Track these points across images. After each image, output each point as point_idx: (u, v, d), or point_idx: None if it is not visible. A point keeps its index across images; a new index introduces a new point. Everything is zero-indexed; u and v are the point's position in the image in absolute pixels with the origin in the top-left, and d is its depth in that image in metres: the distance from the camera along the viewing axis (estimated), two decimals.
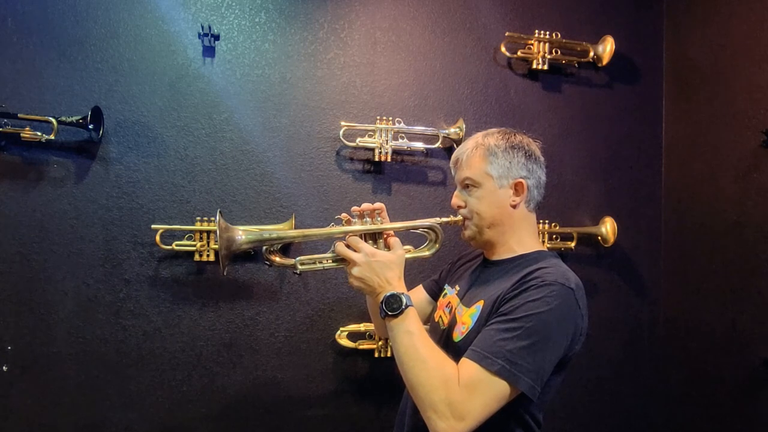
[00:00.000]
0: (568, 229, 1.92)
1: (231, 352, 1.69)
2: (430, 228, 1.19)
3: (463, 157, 1.16)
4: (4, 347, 1.55)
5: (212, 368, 1.68)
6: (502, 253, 1.17)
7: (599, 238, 1.93)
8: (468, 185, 1.15)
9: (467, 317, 1.09)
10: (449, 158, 1.85)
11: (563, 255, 1.95)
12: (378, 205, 1.15)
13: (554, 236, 1.91)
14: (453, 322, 1.14)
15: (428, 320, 1.35)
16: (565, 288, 0.99)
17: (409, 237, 1.27)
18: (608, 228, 1.91)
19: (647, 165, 2.06)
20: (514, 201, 1.13)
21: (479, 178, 1.14)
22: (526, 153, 1.14)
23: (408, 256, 1.14)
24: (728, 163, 1.80)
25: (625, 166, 2.04)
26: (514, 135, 1.17)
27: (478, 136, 1.18)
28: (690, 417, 1.92)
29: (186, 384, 1.66)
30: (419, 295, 1.40)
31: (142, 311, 1.64)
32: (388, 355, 1.74)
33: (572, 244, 1.91)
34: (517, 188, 1.13)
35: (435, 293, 1.38)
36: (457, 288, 1.23)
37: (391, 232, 1.15)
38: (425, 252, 1.21)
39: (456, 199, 1.19)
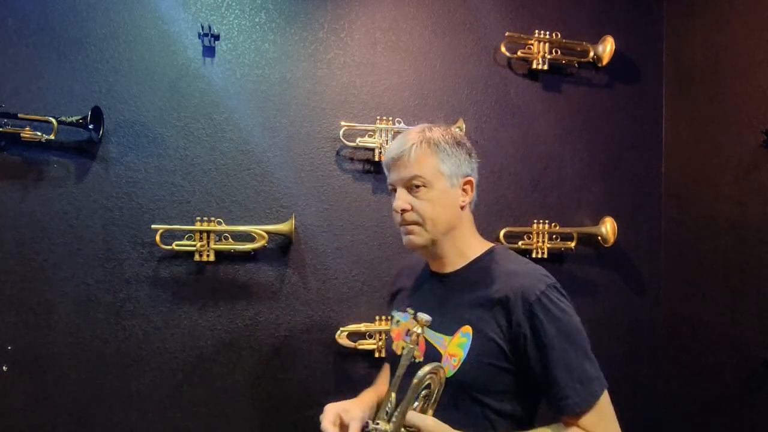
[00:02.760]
0: (568, 229, 1.92)
1: (231, 352, 1.69)
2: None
3: (408, 153, 1.02)
4: (4, 347, 1.54)
5: (212, 368, 1.68)
6: (455, 262, 1.08)
7: (599, 238, 1.93)
8: (417, 185, 1.03)
9: (455, 348, 0.99)
10: None
11: (563, 255, 1.95)
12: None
13: (554, 236, 1.91)
14: (433, 354, 1.02)
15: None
16: (553, 283, 1.01)
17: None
18: (608, 228, 1.91)
19: (647, 165, 2.06)
20: (463, 201, 1.07)
21: (431, 176, 1.03)
22: (467, 149, 1.08)
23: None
24: (728, 163, 1.80)
25: (625, 166, 2.04)
26: (452, 129, 1.10)
27: (415, 132, 1.06)
28: (690, 417, 1.92)
29: (186, 384, 1.66)
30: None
31: (142, 311, 1.64)
32: None
33: (572, 244, 1.91)
34: (466, 187, 1.08)
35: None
36: (410, 311, 1.05)
37: None
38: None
39: (402, 202, 1.03)
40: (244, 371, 1.70)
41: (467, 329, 1.00)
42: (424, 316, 0.92)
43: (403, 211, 1.03)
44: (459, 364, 0.97)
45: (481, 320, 0.99)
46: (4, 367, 1.54)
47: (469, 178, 1.08)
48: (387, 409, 0.91)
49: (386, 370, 1.29)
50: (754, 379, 1.68)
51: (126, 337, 1.62)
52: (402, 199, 1.04)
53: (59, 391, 1.58)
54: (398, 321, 1.14)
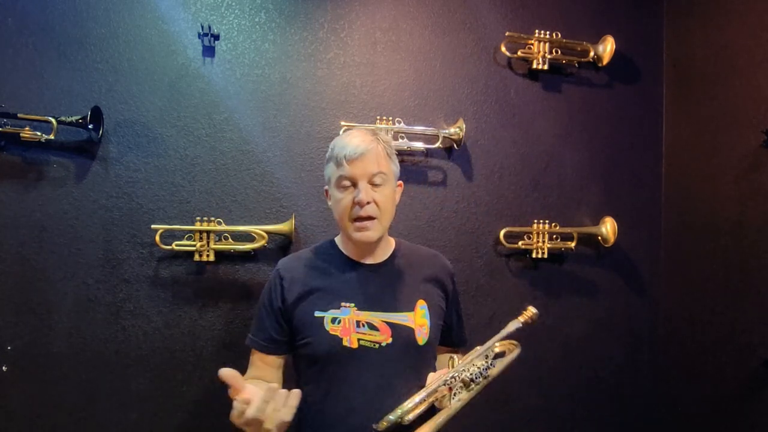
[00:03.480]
0: (568, 229, 1.92)
1: (231, 352, 1.69)
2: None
3: (376, 150, 1.13)
4: (4, 347, 1.54)
5: (212, 368, 1.67)
6: (384, 253, 1.24)
7: (599, 238, 1.93)
8: (377, 183, 1.14)
9: (421, 319, 1.18)
10: (449, 158, 1.87)
11: (563, 255, 1.95)
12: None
13: (554, 236, 1.91)
14: (403, 332, 1.14)
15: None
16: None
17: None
18: (608, 228, 1.91)
19: (647, 165, 2.06)
20: (396, 201, 1.22)
21: (390, 175, 1.17)
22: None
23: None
24: (728, 163, 1.80)
25: (625, 166, 2.04)
26: None
27: (369, 133, 1.17)
28: (690, 417, 1.92)
29: (186, 384, 1.66)
30: (272, 364, 1.23)
31: (142, 311, 1.64)
32: None
33: (572, 244, 1.91)
34: (398, 189, 1.23)
35: (282, 343, 1.22)
36: (350, 304, 1.15)
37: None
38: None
39: (365, 195, 1.11)
40: (244, 371, 1.69)
41: (422, 302, 1.20)
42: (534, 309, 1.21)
43: (367, 203, 1.12)
44: (428, 331, 1.18)
45: (429, 293, 1.23)
46: (4, 367, 1.54)
47: (401, 181, 1.25)
48: (466, 376, 1.07)
49: (265, 364, 1.23)
50: (754, 379, 1.68)
51: (126, 337, 1.62)
52: (367, 192, 1.12)
53: (59, 391, 1.58)
54: (335, 318, 1.14)
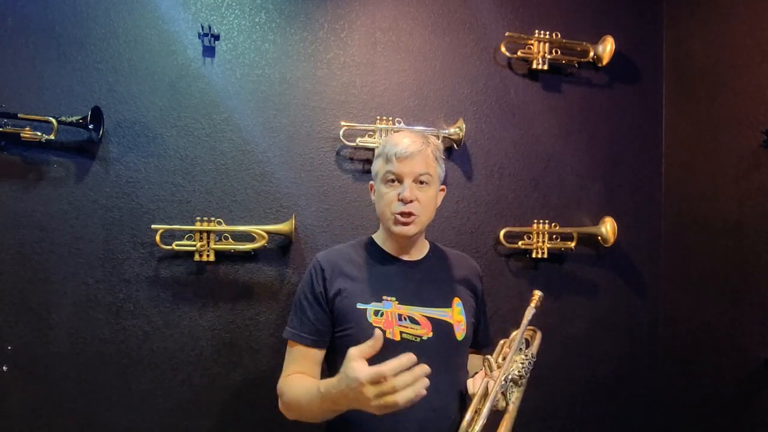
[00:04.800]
0: (568, 229, 1.92)
1: (231, 352, 1.69)
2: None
3: (425, 152, 1.18)
4: (4, 347, 1.55)
5: (212, 368, 1.68)
6: (421, 252, 1.28)
7: (599, 238, 1.93)
8: (423, 182, 1.18)
9: (458, 316, 1.22)
10: (449, 158, 1.87)
11: (563, 255, 1.95)
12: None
13: (554, 236, 1.91)
14: (442, 326, 1.18)
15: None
16: None
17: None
18: (608, 228, 1.91)
19: (647, 165, 2.06)
20: (437, 204, 1.25)
21: (435, 177, 1.21)
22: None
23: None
24: (728, 163, 1.80)
25: (625, 166, 2.04)
26: None
27: (421, 136, 1.21)
28: (690, 417, 1.92)
29: (186, 384, 1.66)
30: (314, 359, 1.22)
31: (142, 311, 1.64)
32: None
33: (572, 244, 1.91)
34: (440, 193, 1.27)
35: (325, 334, 1.21)
36: (391, 298, 1.17)
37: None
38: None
39: (410, 193, 1.15)
40: (244, 371, 1.70)
41: (457, 300, 1.24)
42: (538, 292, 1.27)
43: (410, 201, 1.16)
44: (466, 328, 1.22)
45: (462, 292, 1.27)
46: (4, 367, 1.54)
47: (444, 186, 1.28)
48: (515, 375, 1.13)
49: (306, 358, 1.23)
50: (754, 379, 1.68)
51: (126, 337, 1.62)
52: (412, 190, 1.16)
53: (59, 391, 1.58)
54: (377, 311, 1.16)
